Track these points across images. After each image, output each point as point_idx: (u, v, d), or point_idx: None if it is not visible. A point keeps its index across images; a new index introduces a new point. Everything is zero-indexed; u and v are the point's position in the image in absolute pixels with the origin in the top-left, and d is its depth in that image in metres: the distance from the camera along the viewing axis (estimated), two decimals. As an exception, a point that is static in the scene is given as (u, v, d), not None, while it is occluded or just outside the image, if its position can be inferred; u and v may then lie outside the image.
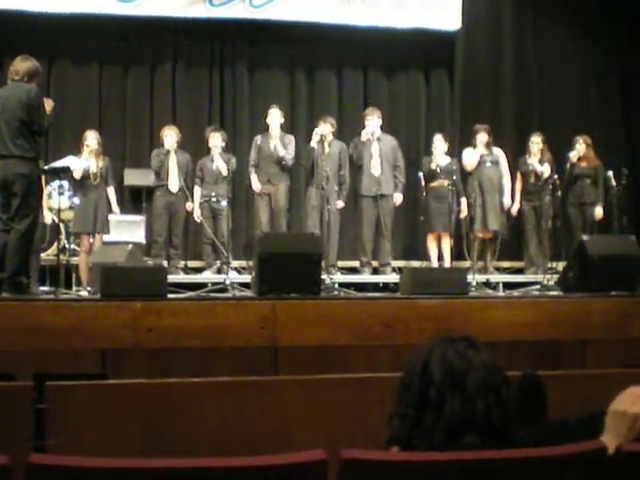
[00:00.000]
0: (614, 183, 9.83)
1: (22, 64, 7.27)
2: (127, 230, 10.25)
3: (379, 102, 11.78)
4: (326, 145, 10.06)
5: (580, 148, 10.41)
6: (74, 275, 9.62)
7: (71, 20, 11.05)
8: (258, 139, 10.41)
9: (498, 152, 10.79)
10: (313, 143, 10.00)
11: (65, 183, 9.62)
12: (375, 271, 10.38)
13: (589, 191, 10.48)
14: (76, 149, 9.83)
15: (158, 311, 6.05)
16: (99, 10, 11.17)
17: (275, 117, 10.31)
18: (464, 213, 10.50)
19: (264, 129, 10.41)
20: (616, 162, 10.83)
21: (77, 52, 11.56)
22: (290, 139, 10.43)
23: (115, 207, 10.02)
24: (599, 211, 10.44)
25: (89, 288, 8.17)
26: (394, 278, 9.50)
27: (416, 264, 10.70)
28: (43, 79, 8.50)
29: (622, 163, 10.89)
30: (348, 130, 11.47)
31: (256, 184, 10.28)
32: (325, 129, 10.08)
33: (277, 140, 10.23)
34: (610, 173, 9.98)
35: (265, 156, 10.27)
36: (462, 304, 6.76)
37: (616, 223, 9.74)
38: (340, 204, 10.24)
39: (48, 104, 7.38)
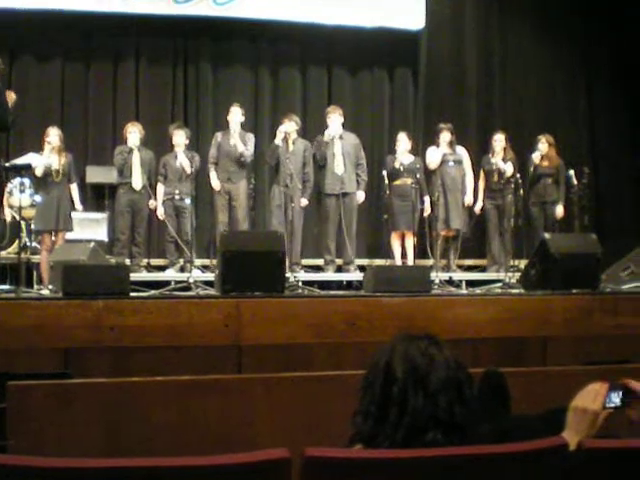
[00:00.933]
0: (575, 182, 9.91)
1: (-18, 59, 7.19)
2: (89, 228, 10.18)
3: (343, 100, 11.81)
4: (290, 143, 10.06)
5: (542, 147, 10.48)
6: (35, 273, 9.54)
7: (33, 16, 10.94)
8: (218, 136, 10.37)
9: (461, 151, 10.83)
10: (277, 141, 10.00)
11: (26, 180, 9.55)
12: (339, 269, 10.39)
13: (551, 190, 10.54)
14: (38, 146, 9.74)
15: (121, 310, 6.02)
16: (61, 6, 11.08)
17: (236, 115, 10.27)
18: (428, 211, 10.53)
19: (227, 126, 10.37)
20: (578, 161, 10.92)
21: (39, 48, 11.46)
22: (250, 137, 10.41)
23: (78, 204, 9.94)
24: (560, 210, 10.51)
25: (50, 286, 8.10)
26: (358, 276, 9.53)
27: (380, 262, 10.72)
28: (5, 75, 8.41)
29: (584, 162, 10.98)
30: (312, 128, 11.48)
31: (215, 182, 10.24)
32: (289, 127, 10.07)
33: (237, 137, 10.19)
34: (571, 172, 10.05)
35: (225, 154, 10.24)
36: (425, 302, 6.78)
37: (577, 222, 9.82)
38: (304, 202, 10.23)
39: (10, 97, 7.29)
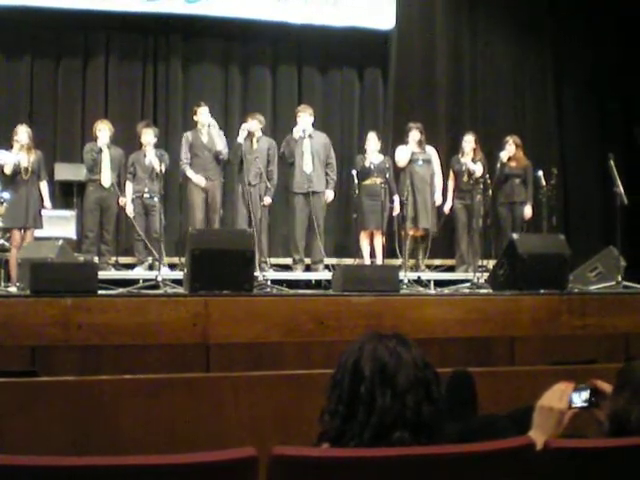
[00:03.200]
0: (544, 183, 9.95)
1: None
2: (57, 225, 10.11)
3: (313, 99, 11.81)
4: (254, 141, 10.05)
5: (510, 148, 10.56)
6: (3, 271, 9.47)
7: (2, 12, 10.86)
8: (189, 136, 10.33)
9: (430, 150, 10.86)
10: (240, 139, 9.99)
11: (-6, 178, 9.49)
12: (307, 268, 10.39)
13: (519, 190, 10.62)
14: (6, 142, 9.67)
15: (88, 307, 5.99)
16: (31, 2, 11.01)
17: (206, 115, 10.26)
18: (397, 211, 10.55)
19: (195, 125, 10.35)
20: (546, 162, 10.99)
21: (8, 44, 11.37)
22: (219, 133, 10.40)
23: (47, 202, 9.87)
24: (528, 210, 10.59)
25: (18, 284, 8.05)
26: (326, 275, 9.53)
27: (348, 261, 10.72)
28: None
29: (552, 163, 11.05)
30: (282, 126, 11.50)
31: (198, 178, 10.19)
32: (252, 125, 10.06)
33: (213, 133, 10.19)
34: (540, 173, 10.09)
35: (201, 152, 10.21)
36: (394, 301, 6.78)
37: (545, 222, 9.86)
38: (268, 200, 10.20)
39: None
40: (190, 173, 10.23)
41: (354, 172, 10.21)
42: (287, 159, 10.37)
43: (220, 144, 10.20)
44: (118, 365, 5.67)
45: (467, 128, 11.43)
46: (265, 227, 10.14)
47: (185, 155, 10.29)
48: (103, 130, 10.09)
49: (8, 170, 9.38)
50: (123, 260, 10.68)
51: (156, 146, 10.23)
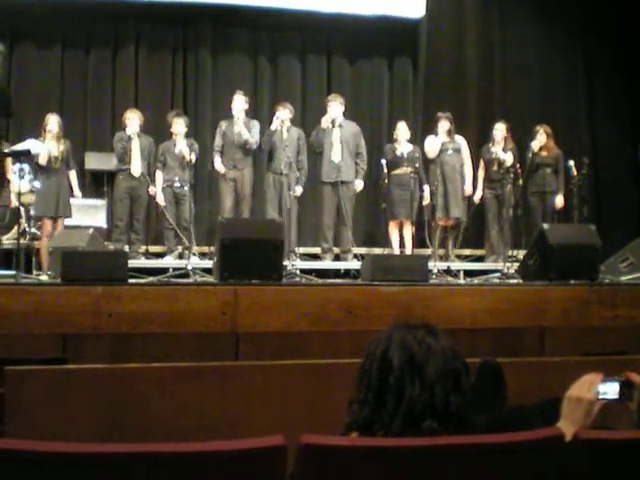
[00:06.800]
0: (575, 172, 9.89)
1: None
2: (88, 214, 10.17)
3: (342, 88, 11.79)
4: (284, 130, 10.04)
5: (541, 138, 10.48)
6: (34, 259, 9.54)
7: (33, 3, 10.92)
8: (223, 125, 10.39)
9: (460, 140, 10.81)
10: (274, 127, 10.02)
11: (26, 166, 9.54)
12: (337, 258, 10.38)
13: (550, 180, 10.54)
14: (37, 132, 9.73)
15: (119, 296, 6.02)
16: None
17: (239, 102, 10.28)
18: (426, 200, 10.51)
19: (227, 114, 10.37)
20: (577, 151, 10.91)
21: (39, 35, 11.43)
22: (254, 124, 10.40)
23: (77, 191, 9.94)
24: (560, 200, 10.51)
25: (49, 272, 8.10)
26: (355, 265, 9.52)
27: (377, 251, 10.71)
28: (5, 62, 8.35)
29: (583, 153, 10.97)
30: (311, 116, 11.49)
31: (219, 165, 10.25)
32: (284, 114, 10.07)
33: (241, 125, 10.19)
34: (571, 162, 10.03)
35: (230, 141, 10.25)
36: (423, 291, 6.78)
37: (576, 212, 9.80)
38: (299, 190, 10.21)
39: None
40: (216, 159, 10.29)
41: (383, 161, 10.19)
42: (316, 148, 10.37)
43: (246, 134, 10.20)
44: (148, 353, 5.71)
45: (497, 117, 11.36)
46: (294, 216, 10.14)
47: (217, 142, 10.34)
48: (132, 119, 10.12)
49: (43, 160, 9.45)
50: (153, 249, 10.71)
51: (186, 135, 10.26)
